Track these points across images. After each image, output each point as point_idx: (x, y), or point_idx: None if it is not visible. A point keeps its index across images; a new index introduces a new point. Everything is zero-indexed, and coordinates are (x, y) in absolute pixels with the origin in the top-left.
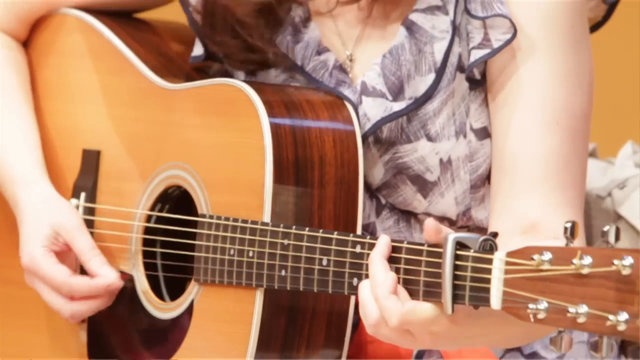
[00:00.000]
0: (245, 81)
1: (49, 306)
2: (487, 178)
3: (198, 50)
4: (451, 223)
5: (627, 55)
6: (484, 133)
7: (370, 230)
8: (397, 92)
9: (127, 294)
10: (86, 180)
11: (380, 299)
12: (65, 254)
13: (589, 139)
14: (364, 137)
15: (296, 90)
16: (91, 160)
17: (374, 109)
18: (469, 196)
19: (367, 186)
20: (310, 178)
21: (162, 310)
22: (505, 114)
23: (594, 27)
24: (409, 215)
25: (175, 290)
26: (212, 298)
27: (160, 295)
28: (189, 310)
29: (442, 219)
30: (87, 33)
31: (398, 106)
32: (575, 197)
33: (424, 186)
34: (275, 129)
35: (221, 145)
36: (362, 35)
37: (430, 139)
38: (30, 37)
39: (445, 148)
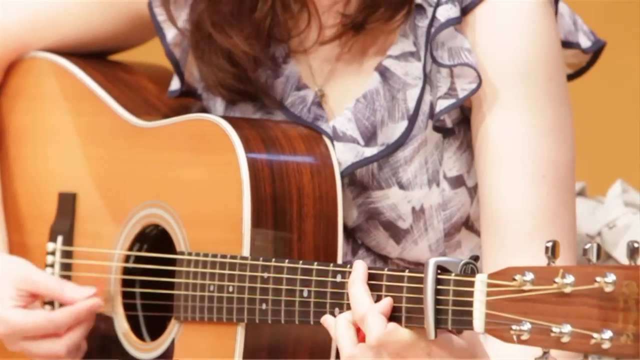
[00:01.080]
0: (220, 116)
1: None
2: (462, 225)
3: (175, 84)
4: None
5: (617, 95)
6: (459, 181)
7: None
8: (369, 138)
9: (107, 336)
10: (63, 223)
11: (369, 315)
12: (32, 305)
13: (575, 190)
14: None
15: (273, 124)
16: (67, 204)
17: (345, 154)
18: (443, 244)
19: (344, 226)
20: (289, 211)
21: (143, 350)
22: (490, 169)
23: (578, 74)
24: (385, 258)
25: (156, 329)
26: (193, 336)
27: (140, 336)
28: (170, 349)
29: (417, 264)
30: (59, 75)
31: (370, 152)
32: (567, 248)
33: (397, 233)
34: (252, 163)
35: (197, 181)
36: (334, 71)
37: (402, 186)
38: (8, 79)
39: (418, 196)
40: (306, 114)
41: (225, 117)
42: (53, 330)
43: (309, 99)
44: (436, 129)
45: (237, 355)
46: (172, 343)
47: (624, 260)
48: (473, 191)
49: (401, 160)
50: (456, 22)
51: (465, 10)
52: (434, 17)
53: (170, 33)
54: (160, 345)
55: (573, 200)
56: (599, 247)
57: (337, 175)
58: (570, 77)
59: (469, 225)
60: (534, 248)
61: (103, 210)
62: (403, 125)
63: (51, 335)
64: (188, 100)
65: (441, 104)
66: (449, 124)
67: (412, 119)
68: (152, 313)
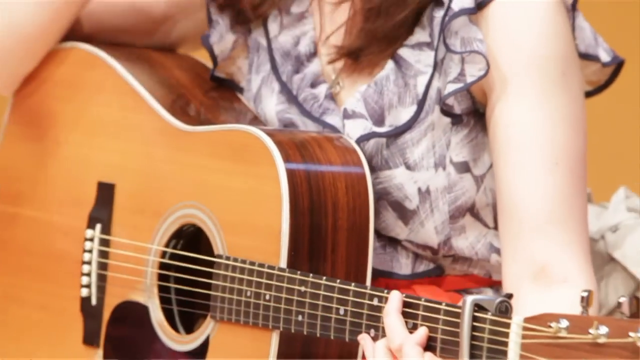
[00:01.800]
0: (260, 128)
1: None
2: (467, 210)
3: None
4: (433, 252)
5: (622, 103)
6: (464, 167)
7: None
8: (377, 119)
9: (143, 324)
10: (101, 212)
11: (406, 345)
12: None
13: (586, 179)
14: None
15: (306, 134)
16: (106, 193)
17: (354, 129)
18: (449, 226)
19: None
20: (324, 224)
21: (178, 342)
22: (505, 155)
23: (597, 90)
24: (395, 242)
25: (188, 323)
26: (228, 335)
27: (174, 328)
28: (205, 344)
29: (424, 247)
30: (99, 67)
31: (378, 129)
32: (580, 235)
33: (404, 214)
34: (291, 177)
35: (237, 189)
36: (354, 65)
37: (408, 167)
38: (46, 69)
39: (424, 178)
40: (317, 109)
41: (265, 130)
42: None
43: (321, 95)
44: (444, 112)
45: (272, 356)
46: (207, 339)
47: (628, 263)
48: (480, 180)
49: (408, 141)
50: (470, 12)
51: (480, 5)
52: (449, 7)
53: (215, 30)
54: (196, 339)
55: (584, 189)
56: (632, 301)
57: (369, 189)
58: (589, 94)
59: (474, 212)
60: (548, 235)
61: (141, 205)
62: (412, 109)
63: None
64: (219, 95)
65: (449, 87)
66: (457, 110)
67: (421, 104)
68: (188, 309)
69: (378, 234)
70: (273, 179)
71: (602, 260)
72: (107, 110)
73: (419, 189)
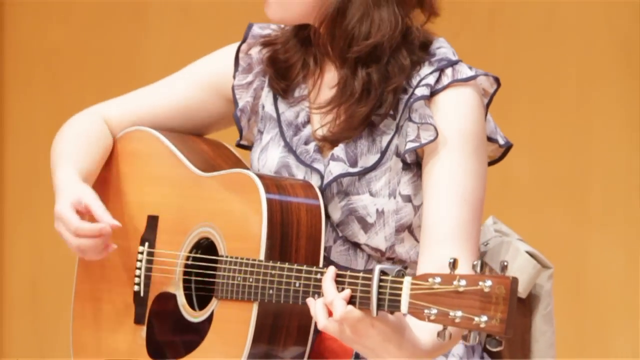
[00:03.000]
0: (250, 171)
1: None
2: (406, 228)
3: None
4: (381, 254)
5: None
6: (408, 198)
7: (328, 252)
8: (352, 163)
9: (172, 307)
10: (149, 235)
11: (335, 300)
12: (82, 214)
13: (482, 213)
14: (329, 185)
15: (283, 179)
16: (153, 222)
17: (336, 168)
18: (394, 237)
19: (330, 222)
20: (291, 233)
21: (194, 316)
22: (432, 193)
23: (493, 162)
24: (355, 245)
25: (202, 304)
26: (226, 308)
27: (192, 307)
28: (211, 315)
29: (376, 250)
30: (153, 142)
31: (352, 170)
32: (472, 248)
33: (365, 225)
34: (270, 202)
35: (234, 211)
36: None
37: (371, 194)
38: (119, 143)
39: (381, 202)
40: (308, 158)
41: (254, 172)
42: (73, 232)
43: (311, 150)
44: (402, 161)
45: (252, 320)
46: (212, 312)
47: (494, 265)
48: (417, 209)
49: (373, 178)
50: (425, 98)
51: (432, 95)
52: (412, 94)
53: (241, 103)
54: (205, 313)
55: (480, 219)
56: (482, 264)
57: (322, 214)
58: (489, 164)
59: (411, 230)
60: (453, 245)
61: (174, 227)
62: (377, 157)
63: (72, 232)
64: (225, 154)
65: (409, 145)
66: (408, 160)
67: (383, 154)
68: (201, 293)
69: (344, 239)
70: (257, 203)
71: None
72: (156, 169)
73: (377, 210)
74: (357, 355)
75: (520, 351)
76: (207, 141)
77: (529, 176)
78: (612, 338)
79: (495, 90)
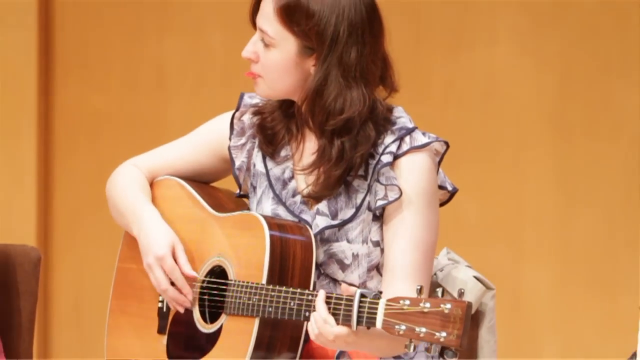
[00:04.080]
0: (257, 213)
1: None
2: (375, 267)
3: (238, 190)
4: (356, 287)
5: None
6: (377, 244)
7: (314, 286)
8: (333, 216)
9: (190, 319)
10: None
11: (327, 320)
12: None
13: (434, 255)
14: (315, 236)
15: (284, 220)
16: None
17: (321, 221)
18: (365, 275)
19: (316, 263)
20: (288, 264)
21: (207, 328)
22: (391, 239)
23: (443, 204)
24: (334, 281)
25: (213, 318)
26: (233, 322)
27: (205, 320)
28: (220, 327)
29: (351, 285)
30: (179, 189)
31: (334, 222)
32: (425, 282)
33: (343, 266)
34: (272, 238)
35: (243, 244)
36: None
37: (349, 241)
38: (154, 188)
39: (356, 248)
40: (296, 209)
41: (261, 214)
42: (174, 279)
43: (298, 202)
44: (373, 215)
45: (254, 332)
46: (222, 325)
47: (448, 287)
48: (383, 251)
49: (349, 228)
50: (390, 164)
51: (395, 158)
52: (379, 160)
53: (237, 162)
54: (216, 325)
55: (432, 260)
56: (443, 291)
57: (314, 250)
58: (441, 205)
59: (379, 269)
60: (408, 280)
61: (195, 257)
62: (352, 211)
63: (169, 278)
64: (235, 200)
65: (379, 202)
66: (377, 213)
67: (357, 209)
68: (212, 310)
69: (326, 275)
70: (262, 239)
71: (434, 286)
72: (181, 209)
73: (353, 254)
74: (338, 356)
75: (469, 357)
76: (221, 190)
77: (476, 216)
78: (541, 345)
79: (445, 151)
